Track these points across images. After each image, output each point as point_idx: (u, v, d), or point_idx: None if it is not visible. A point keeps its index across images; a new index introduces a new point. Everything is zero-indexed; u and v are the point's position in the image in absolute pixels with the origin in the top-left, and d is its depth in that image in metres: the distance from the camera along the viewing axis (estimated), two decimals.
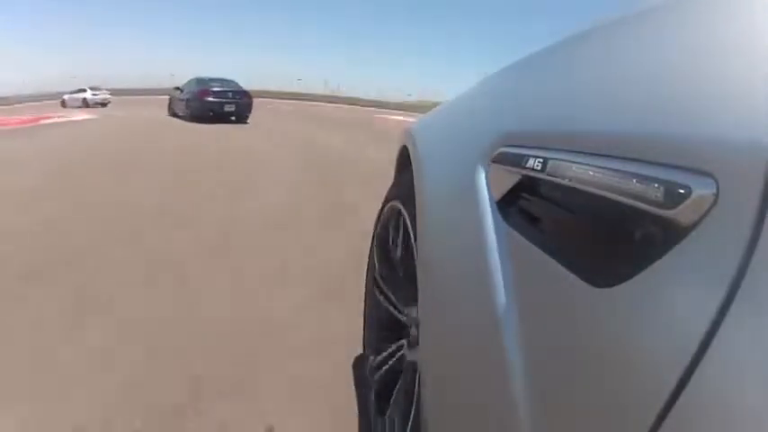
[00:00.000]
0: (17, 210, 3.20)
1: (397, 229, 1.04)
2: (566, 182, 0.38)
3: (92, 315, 1.74)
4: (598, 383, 0.32)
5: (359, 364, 1.41)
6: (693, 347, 0.24)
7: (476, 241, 0.51)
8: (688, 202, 0.26)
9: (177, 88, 13.09)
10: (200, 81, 12.17)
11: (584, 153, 0.37)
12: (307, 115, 17.05)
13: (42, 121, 11.45)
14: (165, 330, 1.65)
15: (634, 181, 0.30)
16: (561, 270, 0.37)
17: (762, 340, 0.22)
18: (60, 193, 3.79)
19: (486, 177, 0.55)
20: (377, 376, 1.06)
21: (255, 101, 12.70)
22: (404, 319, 0.96)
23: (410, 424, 0.76)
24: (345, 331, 1.57)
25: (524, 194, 0.48)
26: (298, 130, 10.52)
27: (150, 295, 1.93)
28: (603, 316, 0.32)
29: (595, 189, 0.34)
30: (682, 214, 0.27)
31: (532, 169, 0.44)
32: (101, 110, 18.24)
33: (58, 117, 13.09)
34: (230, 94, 11.65)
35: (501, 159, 0.52)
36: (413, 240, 0.83)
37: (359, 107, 31.15)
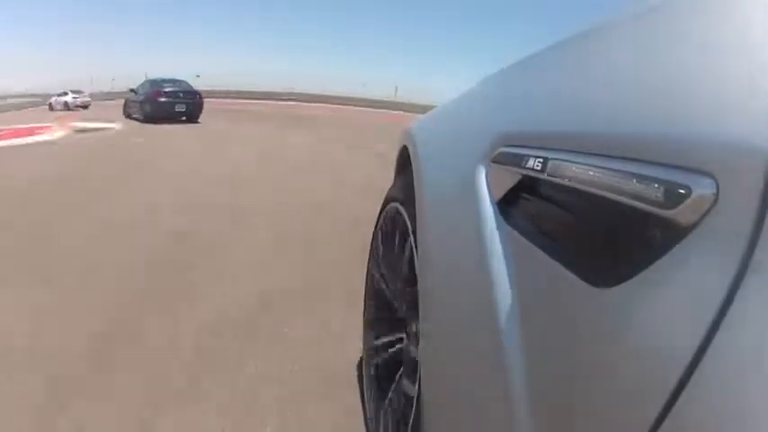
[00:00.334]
0: None
1: (397, 230, 1.04)
2: (566, 182, 0.38)
3: None
4: (598, 383, 0.32)
5: (359, 366, 1.40)
6: (693, 347, 0.24)
7: (476, 241, 0.51)
8: (688, 202, 0.26)
9: (132, 90, 12.94)
10: (153, 82, 12.07)
11: (584, 153, 0.37)
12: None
13: None
14: None
15: (634, 181, 0.30)
16: (561, 270, 0.37)
17: (762, 340, 0.22)
18: None
19: (487, 177, 0.55)
20: (377, 377, 1.06)
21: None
22: (404, 319, 0.96)
23: (410, 424, 0.76)
24: None
25: (524, 194, 0.48)
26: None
27: None
28: (603, 316, 0.32)
29: (595, 189, 0.34)
30: (682, 214, 0.27)
31: (532, 169, 0.44)
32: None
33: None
34: (181, 95, 11.63)
35: (501, 159, 0.52)
36: (413, 240, 0.83)
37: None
